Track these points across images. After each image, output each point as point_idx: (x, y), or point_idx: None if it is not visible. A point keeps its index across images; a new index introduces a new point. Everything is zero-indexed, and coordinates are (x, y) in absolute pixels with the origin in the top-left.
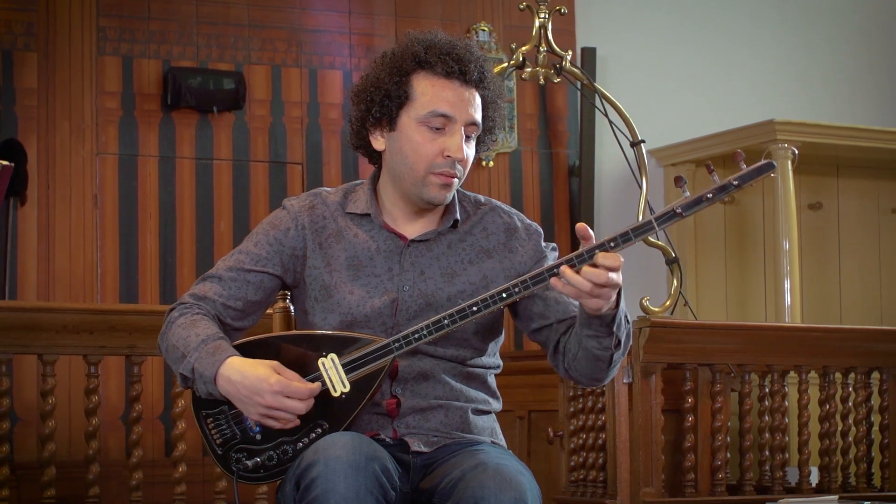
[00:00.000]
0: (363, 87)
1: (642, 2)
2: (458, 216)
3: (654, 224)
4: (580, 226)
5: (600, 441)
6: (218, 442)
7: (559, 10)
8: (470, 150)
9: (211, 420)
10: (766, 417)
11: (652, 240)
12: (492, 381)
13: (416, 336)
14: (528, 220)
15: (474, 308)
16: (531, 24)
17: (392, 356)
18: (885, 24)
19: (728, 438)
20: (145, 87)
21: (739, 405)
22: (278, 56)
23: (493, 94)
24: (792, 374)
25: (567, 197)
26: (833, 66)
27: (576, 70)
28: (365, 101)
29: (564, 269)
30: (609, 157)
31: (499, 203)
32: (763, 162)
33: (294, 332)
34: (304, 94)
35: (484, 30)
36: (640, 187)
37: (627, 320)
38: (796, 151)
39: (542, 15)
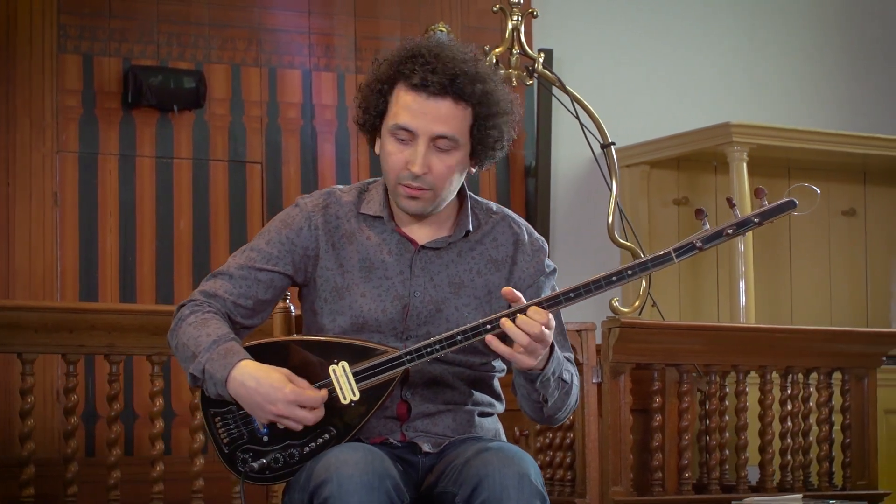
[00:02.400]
0: (358, 90)
1: (598, 4)
2: (471, 226)
3: (673, 256)
4: (506, 290)
5: (568, 440)
6: (225, 441)
7: (532, 12)
8: (442, 163)
9: (219, 419)
10: (727, 417)
11: (622, 241)
12: (496, 383)
13: (429, 350)
14: (536, 235)
15: (488, 326)
16: (489, 26)
17: (402, 368)
18: (837, 26)
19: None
20: (106, 86)
21: (704, 405)
22: (238, 55)
23: (486, 108)
24: (753, 374)
25: (523, 197)
26: (784, 69)
27: (548, 72)
28: (360, 103)
29: (503, 320)
30: (565, 158)
31: (509, 212)
32: (785, 200)
33: (307, 337)
34: (263, 94)
35: (442, 30)
36: (610, 189)
37: (565, 381)
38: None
39: (514, 17)
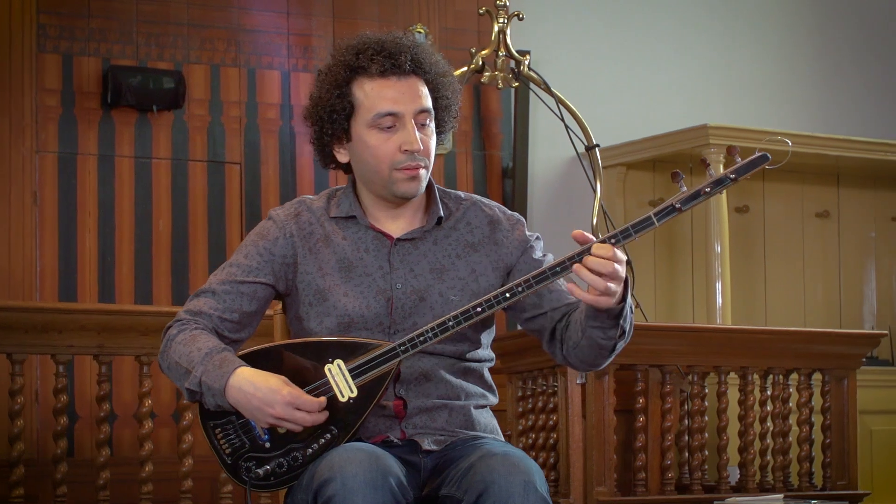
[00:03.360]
0: (310, 108)
1: (574, 7)
2: (442, 213)
3: (654, 219)
4: (577, 232)
5: (551, 441)
6: (227, 451)
7: (517, 15)
8: (428, 137)
9: (219, 430)
10: (706, 417)
11: None
12: (487, 374)
13: (422, 339)
14: (510, 211)
15: (479, 309)
16: (467, 27)
17: (398, 360)
18: (810, 30)
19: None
20: (85, 86)
21: (688, 405)
22: (217, 55)
23: (435, 76)
24: (733, 374)
25: (501, 198)
26: (759, 72)
27: (534, 74)
28: (316, 121)
29: (576, 266)
30: (542, 159)
31: (479, 197)
32: (757, 154)
33: (299, 340)
34: (242, 94)
35: (420, 32)
36: (595, 191)
37: (632, 310)
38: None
39: (500, 20)
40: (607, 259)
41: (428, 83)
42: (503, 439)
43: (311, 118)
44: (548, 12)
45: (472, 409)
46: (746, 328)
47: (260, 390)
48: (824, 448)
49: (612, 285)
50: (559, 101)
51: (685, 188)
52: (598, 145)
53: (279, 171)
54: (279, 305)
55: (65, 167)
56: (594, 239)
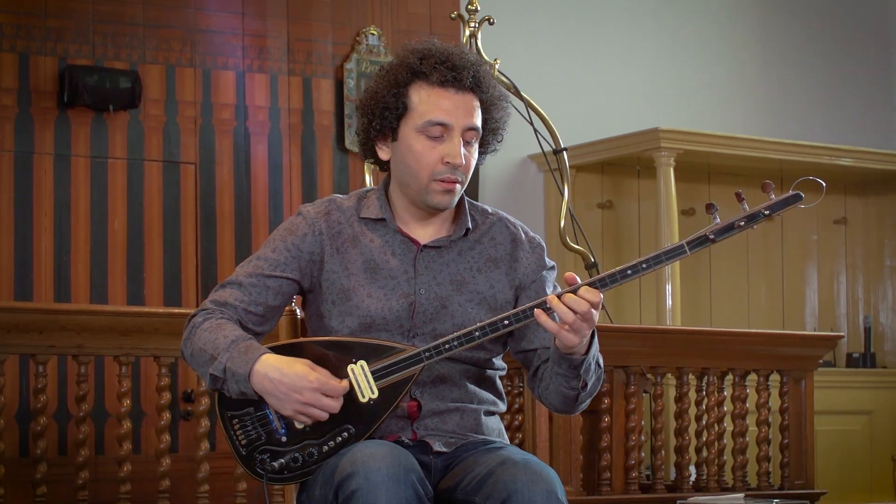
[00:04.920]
0: (365, 100)
1: (525, 11)
2: (469, 225)
3: (686, 248)
4: (569, 275)
5: (517, 441)
6: (243, 443)
7: (488, 19)
8: (470, 155)
9: (236, 422)
10: (664, 418)
11: (573, 245)
12: (499, 383)
13: (447, 346)
14: (532, 233)
15: (506, 322)
16: (418, 29)
17: (421, 365)
18: (754, 34)
19: (643, 438)
20: (41, 85)
21: (650, 406)
22: (173, 56)
23: (491, 97)
24: (691, 376)
25: None
26: (704, 76)
27: (503, 78)
28: (367, 113)
29: (550, 297)
30: (492, 160)
31: (504, 214)
32: (792, 193)
33: (324, 338)
34: (197, 94)
35: (373, 33)
36: (562, 194)
37: (599, 365)
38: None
39: (471, 24)
40: (586, 300)
41: (482, 103)
42: (507, 441)
43: (363, 110)
44: (496, 16)
45: (482, 414)
46: (709, 329)
47: (287, 376)
48: (782, 448)
49: (582, 326)
50: (529, 105)
51: (718, 219)
52: (566, 149)
53: (233, 171)
54: (286, 308)
55: (21, 166)
56: (579, 281)
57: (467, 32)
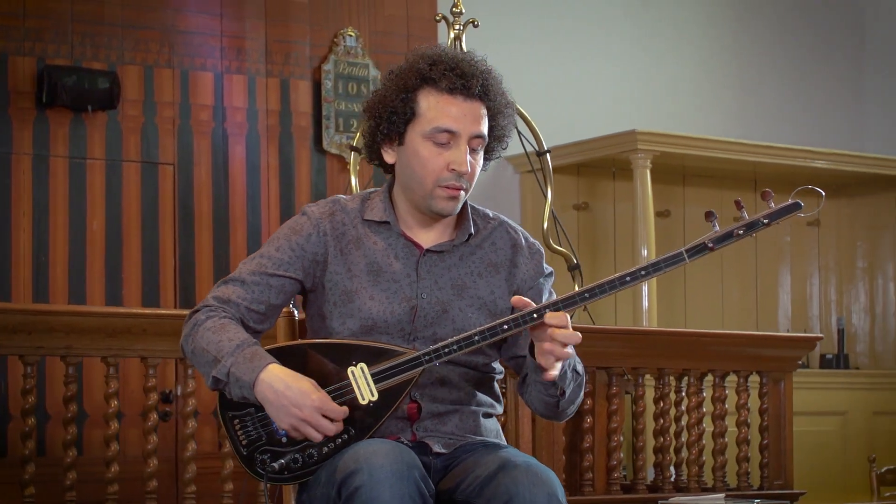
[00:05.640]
0: (373, 103)
1: (501, 13)
2: (472, 230)
3: (685, 256)
4: (516, 299)
5: None
6: (243, 443)
7: (472, 22)
8: (476, 162)
9: (237, 422)
10: (646, 419)
11: (555, 246)
12: (496, 386)
13: (447, 350)
14: (532, 239)
15: (505, 326)
16: (396, 31)
17: (421, 368)
18: (727, 37)
19: (621, 438)
20: (20, 85)
21: (632, 406)
22: (151, 56)
23: (498, 105)
24: (671, 378)
25: None
26: (679, 78)
27: None
28: (374, 116)
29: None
30: None
31: (505, 218)
32: (791, 202)
33: (325, 340)
34: (176, 95)
35: (351, 35)
36: (545, 196)
37: (578, 372)
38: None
39: (457, 27)
40: (562, 325)
41: (489, 111)
42: (504, 442)
43: (371, 112)
44: (476, 17)
45: (481, 416)
46: (690, 331)
47: (291, 389)
48: (762, 448)
49: (564, 351)
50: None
51: (717, 227)
52: (549, 150)
53: (211, 172)
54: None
55: None
56: (532, 304)
57: (452, 35)
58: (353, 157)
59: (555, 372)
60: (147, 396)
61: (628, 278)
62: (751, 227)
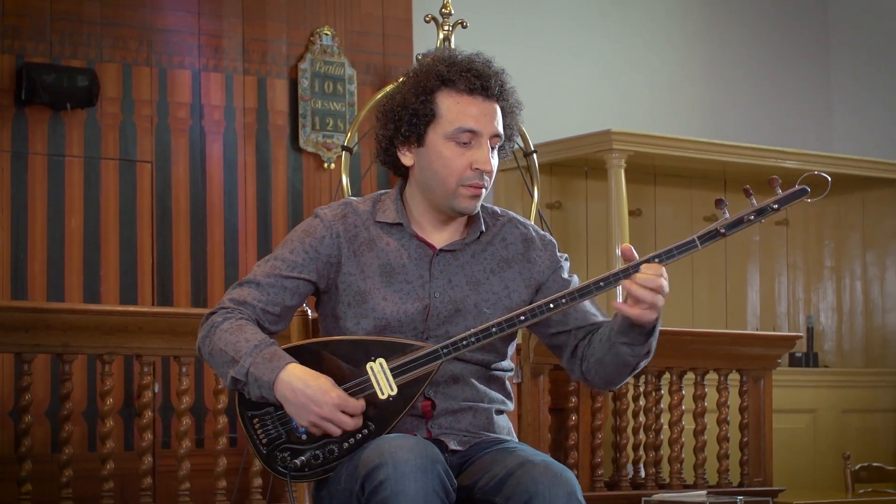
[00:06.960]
0: (390, 106)
1: (474, 12)
2: (483, 228)
3: (697, 242)
4: (625, 246)
5: None
6: (263, 442)
7: (461, 23)
8: (495, 161)
9: (257, 420)
10: (632, 416)
11: None
12: (508, 384)
13: (465, 342)
14: (542, 231)
15: (522, 318)
16: (372, 30)
17: (440, 362)
18: (698, 38)
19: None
20: None
21: (615, 404)
22: (129, 54)
23: (510, 105)
24: (652, 376)
25: None
26: (649, 80)
27: None
28: (393, 120)
29: (630, 283)
30: None
31: (514, 214)
32: (798, 188)
33: (342, 337)
34: (154, 93)
35: (327, 34)
36: (532, 196)
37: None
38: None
39: (446, 28)
40: (655, 276)
41: (503, 110)
42: (516, 439)
43: (387, 116)
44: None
45: (493, 413)
46: (672, 329)
47: (310, 387)
48: (742, 446)
49: (659, 300)
50: None
51: (728, 214)
52: (535, 151)
53: (189, 170)
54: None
55: None
56: (637, 258)
57: (441, 35)
58: (344, 157)
59: (655, 314)
60: (143, 394)
61: (641, 264)
62: (761, 212)
